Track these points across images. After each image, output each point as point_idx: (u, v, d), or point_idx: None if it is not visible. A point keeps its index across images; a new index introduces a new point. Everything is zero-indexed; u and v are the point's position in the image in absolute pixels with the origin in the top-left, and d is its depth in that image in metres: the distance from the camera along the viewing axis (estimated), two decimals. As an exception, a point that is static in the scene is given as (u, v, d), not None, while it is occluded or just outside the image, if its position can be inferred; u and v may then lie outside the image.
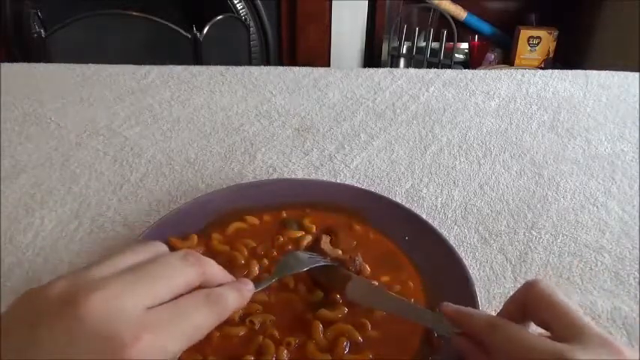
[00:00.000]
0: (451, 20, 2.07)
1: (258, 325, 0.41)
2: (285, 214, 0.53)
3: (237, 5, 1.85)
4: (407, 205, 0.55)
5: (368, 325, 0.42)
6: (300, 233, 0.51)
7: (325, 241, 0.48)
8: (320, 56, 2.05)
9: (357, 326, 0.42)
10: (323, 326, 0.42)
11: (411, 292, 0.46)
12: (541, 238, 0.55)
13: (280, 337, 0.41)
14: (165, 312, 0.29)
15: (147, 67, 0.86)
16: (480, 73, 0.90)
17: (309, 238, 0.50)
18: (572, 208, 0.60)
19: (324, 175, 0.64)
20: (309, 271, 0.44)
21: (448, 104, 0.80)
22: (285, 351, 0.40)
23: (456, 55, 2.15)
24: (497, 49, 2.26)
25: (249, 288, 0.35)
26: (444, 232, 0.52)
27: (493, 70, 0.92)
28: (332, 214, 0.53)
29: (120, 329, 0.26)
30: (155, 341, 0.27)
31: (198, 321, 0.30)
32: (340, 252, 0.47)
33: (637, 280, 0.51)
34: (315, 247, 0.48)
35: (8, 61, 0.86)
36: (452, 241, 0.51)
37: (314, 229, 0.51)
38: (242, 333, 0.41)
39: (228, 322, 0.41)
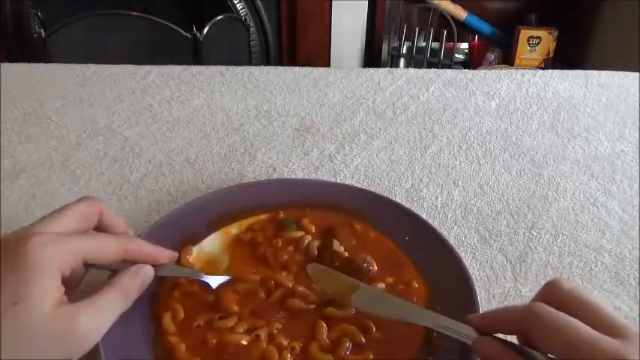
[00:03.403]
0: (451, 20, 2.07)
1: (264, 337, 0.41)
2: (282, 215, 0.52)
3: (237, 5, 1.85)
4: (407, 205, 0.55)
5: (372, 327, 0.42)
6: (300, 233, 0.50)
7: (337, 244, 0.48)
8: (320, 56, 2.05)
9: (362, 328, 0.42)
10: (328, 325, 0.42)
11: (415, 292, 0.46)
12: (541, 238, 0.55)
13: (287, 342, 0.40)
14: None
15: (147, 67, 0.86)
16: (480, 73, 0.90)
17: (309, 238, 0.50)
18: (572, 208, 0.60)
19: (324, 175, 0.64)
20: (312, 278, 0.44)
21: (448, 104, 0.80)
22: (289, 355, 0.39)
23: (456, 55, 2.15)
24: (498, 49, 2.26)
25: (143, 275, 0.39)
26: (444, 232, 0.52)
27: (493, 70, 0.92)
28: (332, 214, 0.53)
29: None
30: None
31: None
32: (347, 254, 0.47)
33: (637, 280, 0.51)
34: (326, 250, 0.47)
35: (8, 61, 0.85)
36: (452, 241, 0.51)
37: (313, 229, 0.51)
38: (245, 342, 0.40)
39: (232, 330, 0.41)
